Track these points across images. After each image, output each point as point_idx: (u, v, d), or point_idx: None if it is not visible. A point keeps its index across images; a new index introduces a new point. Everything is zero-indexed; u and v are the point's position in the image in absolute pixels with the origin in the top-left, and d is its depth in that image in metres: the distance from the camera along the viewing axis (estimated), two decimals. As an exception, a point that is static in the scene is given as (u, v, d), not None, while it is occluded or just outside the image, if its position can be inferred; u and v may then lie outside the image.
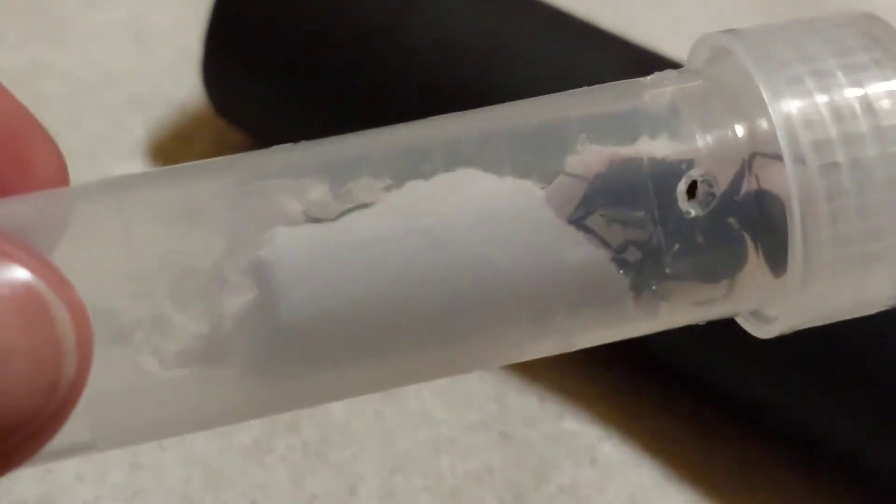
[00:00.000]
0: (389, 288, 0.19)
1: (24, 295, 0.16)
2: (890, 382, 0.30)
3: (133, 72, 0.43)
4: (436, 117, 0.20)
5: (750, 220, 0.19)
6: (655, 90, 0.20)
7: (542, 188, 0.19)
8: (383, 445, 0.33)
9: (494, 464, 0.33)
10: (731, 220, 0.19)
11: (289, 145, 0.20)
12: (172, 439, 0.32)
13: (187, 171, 0.20)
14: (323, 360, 0.19)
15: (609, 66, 0.34)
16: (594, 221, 0.19)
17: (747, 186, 0.19)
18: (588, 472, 0.33)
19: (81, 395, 0.17)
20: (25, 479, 0.31)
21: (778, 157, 0.19)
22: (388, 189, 0.19)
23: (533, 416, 0.34)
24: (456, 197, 0.19)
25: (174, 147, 0.41)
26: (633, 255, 0.19)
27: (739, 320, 0.21)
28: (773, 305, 0.20)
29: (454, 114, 0.20)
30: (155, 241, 0.19)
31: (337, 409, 0.33)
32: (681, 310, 0.20)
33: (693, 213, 0.19)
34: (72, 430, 0.17)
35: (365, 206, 0.19)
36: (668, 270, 0.19)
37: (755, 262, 0.19)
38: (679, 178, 0.19)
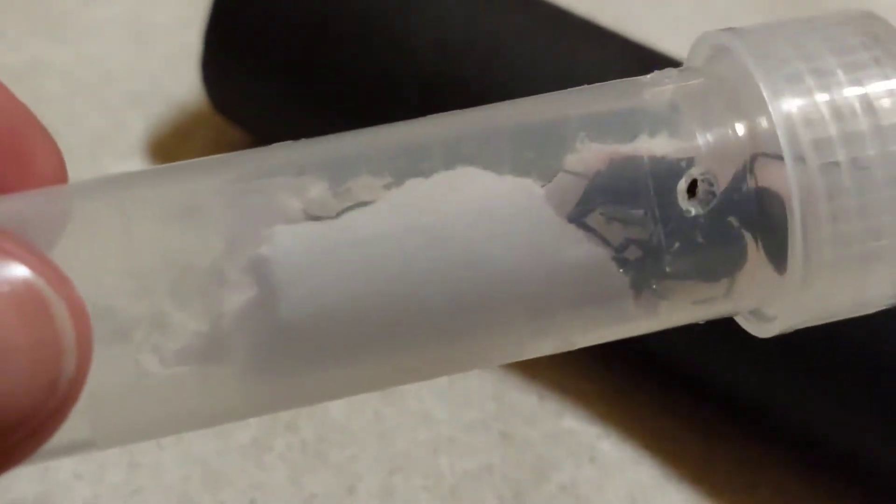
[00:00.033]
0: (389, 286, 0.19)
1: (23, 292, 0.17)
2: (890, 382, 0.30)
3: (133, 69, 0.43)
4: (435, 115, 0.20)
5: (750, 219, 0.19)
6: (655, 88, 0.20)
7: (542, 186, 0.19)
8: (382, 445, 0.33)
9: (494, 463, 0.33)
10: (731, 218, 0.19)
11: (288, 143, 0.20)
12: (171, 438, 0.32)
13: (187, 169, 0.20)
14: (323, 358, 0.19)
15: (609, 64, 0.34)
16: (594, 220, 0.19)
17: (747, 185, 0.19)
18: (588, 470, 0.33)
19: (81, 393, 0.17)
20: (24, 477, 0.31)
21: (778, 156, 0.19)
22: (387, 187, 0.19)
23: (532, 415, 0.34)
24: (456, 195, 0.19)
25: (174, 145, 0.41)
26: (633, 253, 0.19)
27: (739, 319, 0.21)
28: (772, 304, 0.20)
29: (454, 112, 0.20)
30: (154, 239, 0.19)
31: (336, 408, 0.33)
32: (681, 308, 0.20)
33: (693, 211, 0.19)
34: (71, 428, 0.17)
35: (365, 204, 0.19)
36: (667, 269, 0.19)
37: (755, 260, 0.19)
38: (679, 177, 0.19)
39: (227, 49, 0.38)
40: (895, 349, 0.30)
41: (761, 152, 0.19)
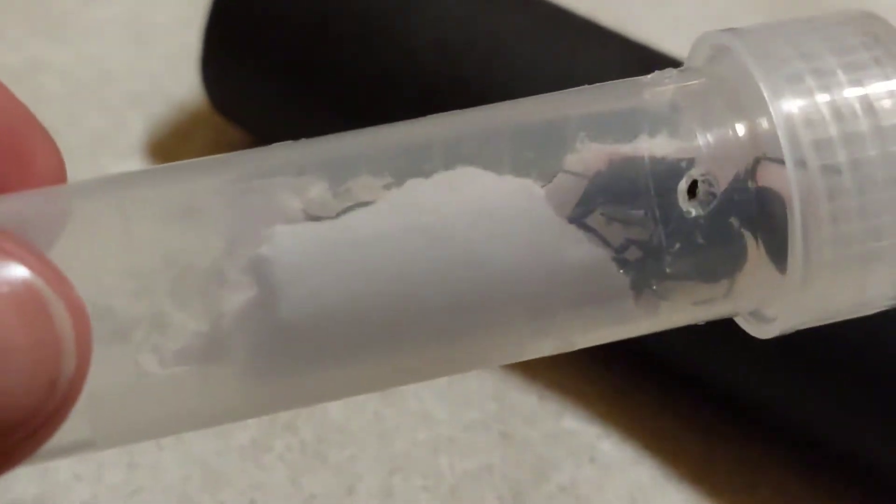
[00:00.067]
0: (389, 286, 0.19)
1: (23, 293, 0.17)
2: (890, 382, 0.30)
3: (132, 69, 0.43)
4: (435, 115, 0.20)
5: (750, 219, 0.19)
6: (656, 88, 0.20)
7: (543, 186, 0.19)
8: (382, 445, 0.33)
9: (494, 463, 0.33)
10: (732, 219, 0.19)
11: (288, 143, 0.20)
12: (170, 438, 0.32)
13: (186, 169, 0.20)
14: (322, 358, 0.19)
15: (609, 64, 0.34)
16: (594, 220, 0.19)
17: (748, 185, 0.19)
18: (587, 470, 0.33)
19: (81, 393, 0.17)
20: (23, 478, 0.31)
21: (778, 157, 0.19)
22: (387, 187, 0.19)
23: (532, 416, 0.34)
24: (456, 195, 0.19)
25: (173, 145, 0.41)
26: (633, 254, 0.19)
27: (739, 320, 0.21)
28: (772, 305, 0.20)
29: (454, 112, 0.20)
30: (154, 239, 0.19)
31: (335, 408, 0.33)
32: (681, 309, 0.20)
33: (693, 212, 0.19)
34: (71, 428, 0.17)
35: (365, 204, 0.19)
36: (668, 270, 0.19)
37: (755, 261, 0.19)
38: (679, 177, 0.19)
39: (226, 49, 0.38)
40: (895, 349, 0.30)
41: (762, 152, 0.19)
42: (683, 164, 0.19)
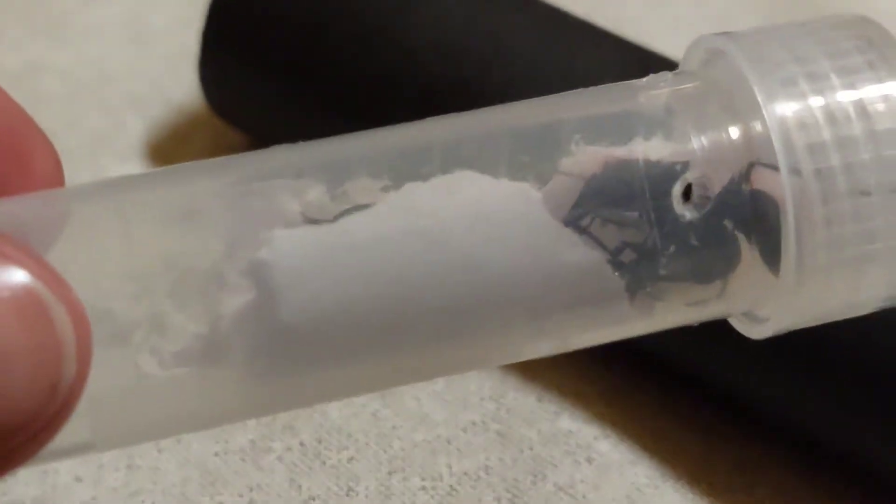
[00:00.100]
0: (387, 289, 0.19)
1: (23, 297, 0.17)
2: (889, 382, 0.30)
3: (132, 71, 0.43)
4: (432, 118, 0.20)
5: (744, 222, 0.19)
6: (651, 92, 0.20)
7: (539, 189, 0.19)
8: (381, 446, 0.33)
9: (492, 463, 0.33)
10: (726, 221, 0.19)
11: (287, 146, 0.20)
12: (169, 440, 0.32)
13: (185, 171, 0.20)
14: (321, 360, 0.19)
15: (608, 65, 0.34)
16: (589, 223, 0.19)
17: (742, 188, 0.19)
18: (585, 471, 0.33)
19: (81, 396, 0.17)
20: (23, 479, 0.31)
21: (772, 160, 0.19)
22: (385, 190, 0.19)
23: (530, 416, 0.34)
24: (453, 199, 0.19)
25: (172, 146, 0.41)
26: (628, 256, 0.19)
27: (732, 321, 0.21)
28: (765, 306, 0.20)
29: (451, 115, 0.20)
30: (153, 242, 0.19)
31: (334, 409, 0.33)
32: (675, 310, 0.20)
33: (688, 216, 0.19)
34: (71, 430, 0.17)
35: (363, 207, 0.19)
36: (662, 271, 0.19)
37: (749, 262, 0.19)
38: (674, 180, 0.19)
39: (224, 50, 0.38)
40: (894, 349, 0.30)
41: (756, 156, 0.19)
42: (678, 167, 0.19)
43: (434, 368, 0.21)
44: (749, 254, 0.19)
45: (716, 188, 0.19)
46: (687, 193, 0.19)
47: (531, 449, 0.33)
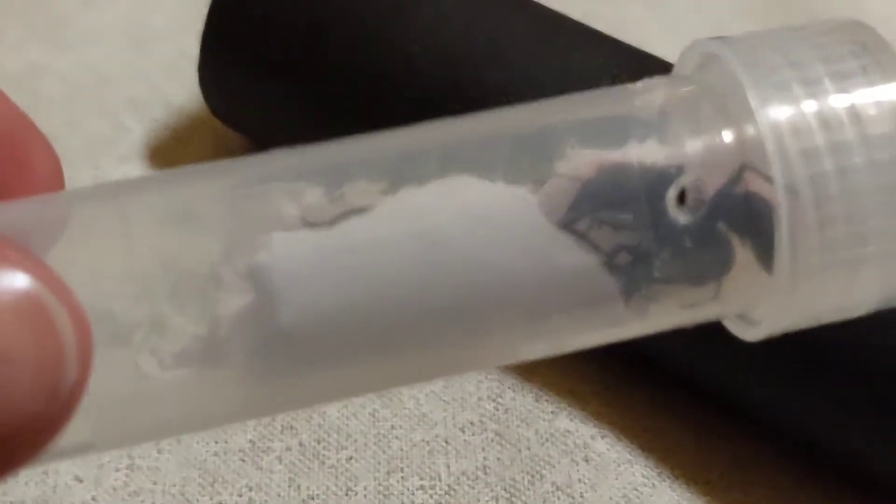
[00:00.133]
0: (385, 291, 0.19)
1: (25, 300, 0.17)
2: (887, 382, 0.31)
3: (131, 74, 0.44)
4: (429, 122, 0.20)
5: (738, 225, 0.19)
6: (645, 96, 0.20)
7: (535, 193, 0.19)
8: (379, 446, 0.33)
9: (490, 463, 0.33)
10: (720, 224, 0.19)
11: (286, 149, 0.20)
12: (169, 440, 0.32)
13: (185, 175, 0.20)
14: (321, 361, 0.19)
15: (605, 69, 0.34)
16: (585, 225, 0.19)
17: (735, 191, 0.19)
18: (583, 470, 0.33)
19: (82, 398, 0.17)
20: (23, 480, 0.31)
21: (766, 165, 0.19)
22: (383, 193, 0.19)
23: (528, 416, 0.34)
24: (450, 202, 0.19)
25: (172, 149, 0.41)
26: (623, 258, 0.19)
27: (726, 323, 0.21)
28: (759, 308, 0.20)
29: (448, 119, 0.20)
30: (153, 244, 0.19)
31: (333, 410, 0.33)
32: (669, 312, 0.20)
33: (682, 220, 0.19)
34: (71, 430, 0.17)
35: (361, 210, 0.19)
36: (657, 274, 0.19)
37: (743, 265, 0.20)
38: (668, 183, 0.19)
39: (224, 53, 0.38)
40: (893, 348, 0.30)
41: (749, 160, 0.19)
42: (673, 171, 0.19)
43: (431, 370, 0.21)
44: (743, 257, 0.19)
45: (710, 192, 0.19)
46: (681, 197, 0.19)
47: (529, 449, 0.33)
